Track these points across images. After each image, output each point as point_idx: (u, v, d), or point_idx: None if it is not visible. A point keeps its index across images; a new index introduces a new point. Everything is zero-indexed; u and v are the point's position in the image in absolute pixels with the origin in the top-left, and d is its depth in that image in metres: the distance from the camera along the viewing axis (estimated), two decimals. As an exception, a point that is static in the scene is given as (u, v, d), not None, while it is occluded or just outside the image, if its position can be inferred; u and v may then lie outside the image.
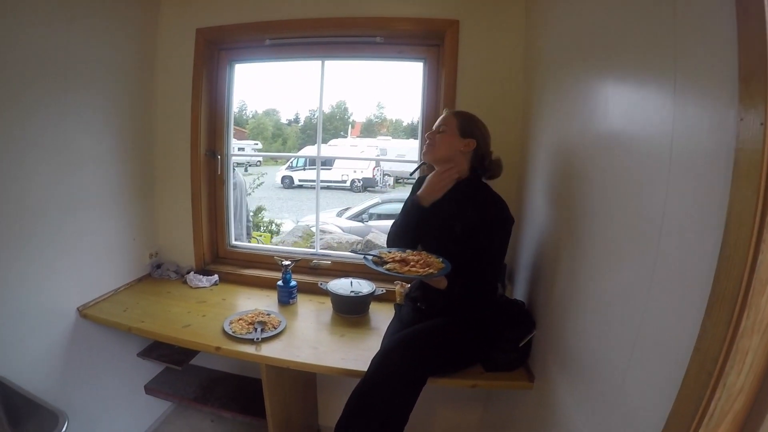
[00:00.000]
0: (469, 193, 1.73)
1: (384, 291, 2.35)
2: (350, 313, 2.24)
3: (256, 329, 1.98)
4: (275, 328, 2.01)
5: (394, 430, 1.56)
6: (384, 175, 14.22)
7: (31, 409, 1.62)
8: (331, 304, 2.30)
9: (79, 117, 2.08)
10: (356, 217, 7.65)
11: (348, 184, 13.71)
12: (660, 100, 0.98)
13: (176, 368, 2.39)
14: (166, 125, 2.63)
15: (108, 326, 2.16)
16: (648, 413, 0.94)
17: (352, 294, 2.23)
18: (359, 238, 5.99)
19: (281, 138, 19.26)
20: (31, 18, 1.80)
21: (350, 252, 2.86)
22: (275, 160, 17.05)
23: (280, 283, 2.36)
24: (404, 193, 11.61)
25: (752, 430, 0.72)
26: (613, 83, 1.27)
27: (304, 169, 14.49)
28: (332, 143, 14.26)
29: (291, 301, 2.36)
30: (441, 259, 1.66)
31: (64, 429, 1.50)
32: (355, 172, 13.70)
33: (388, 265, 1.62)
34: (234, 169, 2.94)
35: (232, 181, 2.83)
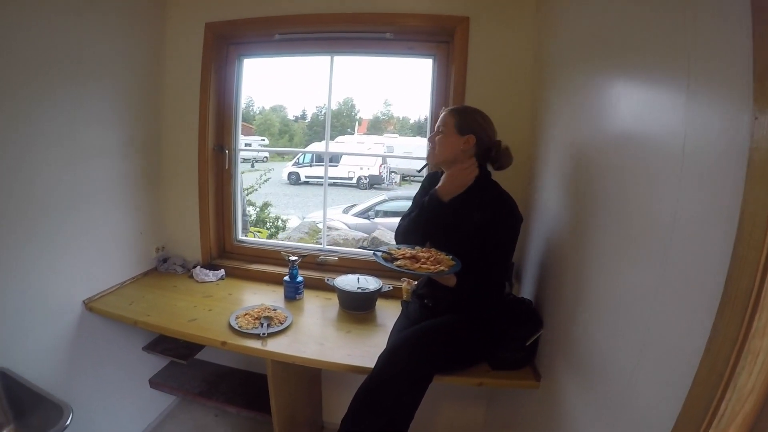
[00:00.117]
0: (478, 191, 1.71)
1: (391, 288, 2.35)
2: (357, 309, 2.24)
3: (262, 324, 1.98)
4: (281, 324, 2.02)
5: (400, 427, 1.56)
6: (390, 172, 14.18)
7: (35, 401, 1.63)
8: (337, 300, 2.31)
9: (88, 109, 2.09)
10: (362, 214, 7.63)
11: (354, 181, 13.67)
12: (672, 100, 0.97)
13: (181, 362, 2.39)
14: (175, 119, 2.63)
15: (114, 319, 2.16)
16: (657, 414, 0.93)
17: (359, 290, 2.23)
18: (365, 235, 5.99)
19: (288, 134, 19.22)
20: (41, 9, 1.80)
21: (359, 248, 2.85)
22: (282, 156, 17.05)
23: (286, 278, 2.36)
24: (410, 190, 11.60)
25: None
26: (625, 82, 1.26)
27: (311, 166, 14.46)
28: (339, 140, 14.22)
29: (297, 296, 2.36)
30: (451, 257, 1.66)
31: (68, 421, 1.51)
32: (361, 169, 13.66)
33: (398, 262, 1.62)
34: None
35: (239, 176, 2.83)
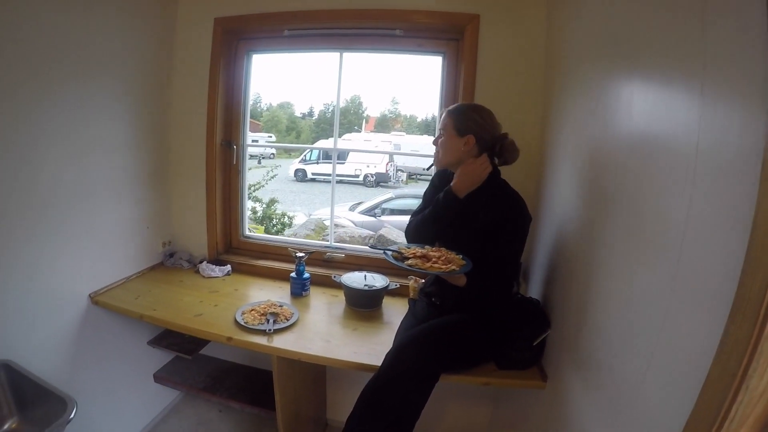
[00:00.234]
0: (487, 190, 1.70)
1: (398, 285, 2.34)
2: (363, 306, 2.23)
3: (268, 320, 1.98)
4: (287, 320, 2.01)
5: (406, 425, 1.56)
6: (397, 170, 14.19)
7: (40, 394, 1.64)
8: (344, 298, 2.30)
9: (96, 103, 2.09)
10: (369, 211, 7.63)
11: (361, 178, 13.69)
12: (687, 101, 0.95)
13: (186, 357, 2.39)
14: (183, 114, 2.63)
15: (119, 313, 2.17)
16: (666, 416, 0.92)
17: (366, 288, 2.22)
18: (372, 233, 5.99)
19: (295, 131, 19.26)
20: (50, 2, 1.80)
21: (368, 247, 2.85)
22: (289, 153, 17.08)
23: (293, 274, 2.36)
24: (417, 189, 11.59)
25: (772, 434, 0.71)
26: (638, 82, 1.24)
27: (318, 163, 14.50)
28: (346, 137, 14.24)
29: (304, 293, 2.36)
30: (461, 256, 1.65)
31: (72, 415, 1.51)
32: (368, 166, 13.67)
33: (409, 261, 1.61)
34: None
35: (246, 172, 2.83)
